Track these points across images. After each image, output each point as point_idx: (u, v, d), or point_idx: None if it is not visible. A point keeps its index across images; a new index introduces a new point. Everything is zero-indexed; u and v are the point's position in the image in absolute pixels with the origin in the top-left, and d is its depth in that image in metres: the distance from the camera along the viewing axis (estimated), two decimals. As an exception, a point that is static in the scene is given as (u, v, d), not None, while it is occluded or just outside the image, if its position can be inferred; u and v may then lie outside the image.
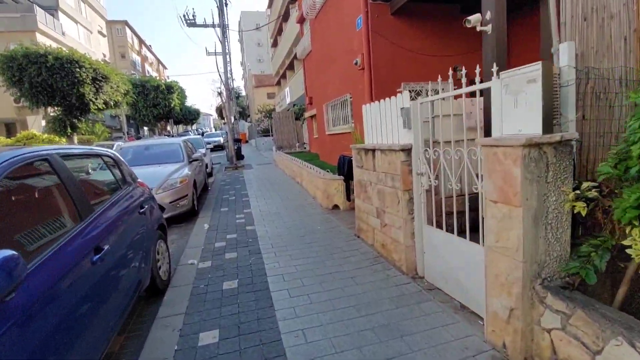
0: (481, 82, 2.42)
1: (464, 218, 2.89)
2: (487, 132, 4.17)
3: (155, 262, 3.31)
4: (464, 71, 2.61)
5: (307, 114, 14.08)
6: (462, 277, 2.74)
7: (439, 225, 3.07)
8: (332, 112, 9.17)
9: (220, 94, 13.70)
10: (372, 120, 4.15)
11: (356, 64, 6.43)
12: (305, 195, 7.74)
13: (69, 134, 21.28)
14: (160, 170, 6.59)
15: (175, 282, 3.62)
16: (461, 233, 2.80)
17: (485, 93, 2.92)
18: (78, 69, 18.39)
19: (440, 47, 6.60)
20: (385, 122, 3.74)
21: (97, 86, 19.89)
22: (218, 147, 27.74)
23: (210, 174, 12.89)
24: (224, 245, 4.69)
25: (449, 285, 2.96)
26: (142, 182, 3.73)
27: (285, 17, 24.53)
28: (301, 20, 14.11)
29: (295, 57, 22.42)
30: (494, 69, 2.27)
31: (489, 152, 2.15)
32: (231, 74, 28.22)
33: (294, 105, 20.15)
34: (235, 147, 17.91)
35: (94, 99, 19.88)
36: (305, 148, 15.38)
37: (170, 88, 39.28)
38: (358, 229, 4.68)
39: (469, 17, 3.87)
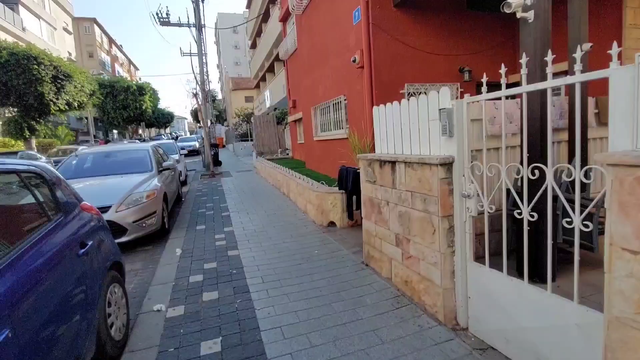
0: (516, 82, 1.67)
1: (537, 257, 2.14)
2: (571, 143, 3.46)
3: (105, 320, 2.35)
4: (503, 69, 1.85)
5: (290, 118, 13.24)
6: (542, 344, 1.98)
7: (494, 264, 2.31)
8: (321, 116, 8.38)
9: (195, 95, 12.63)
10: (388, 124, 3.36)
11: (354, 61, 5.67)
12: (294, 209, 6.88)
13: (26, 137, 19.39)
14: (123, 182, 5.55)
15: (135, 341, 2.67)
16: (527, 277, 2.04)
17: (570, 90, 2.19)
18: (36, 66, 16.72)
19: (447, 46, 5.96)
20: (412, 127, 2.97)
21: (59, 85, 18.22)
22: (193, 152, 26.34)
23: (184, 182, 11.77)
24: (200, 279, 3.75)
25: (512, 348, 2.20)
26: (88, 206, 2.75)
27: (265, 17, 23.65)
28: (284, 19, 13.29)
29: (275, 58, 21.55)
30: (614, 50, 1.53)
31: (625, 175, 1.39)
32: (207, 76, 26.92)
33: (275, 109, 19.24)
34: (212, 153, 16.76)
35: (54, 99, 18.19)
36: (287, 154, 14.49)
37: (141, 89, 37.35)
38: (367, 256, 3.87)
39: (510, 0, 3.17)
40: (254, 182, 10.97)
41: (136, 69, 77.06)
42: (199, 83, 13.24)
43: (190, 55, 21.69)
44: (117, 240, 3.24)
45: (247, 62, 66.08)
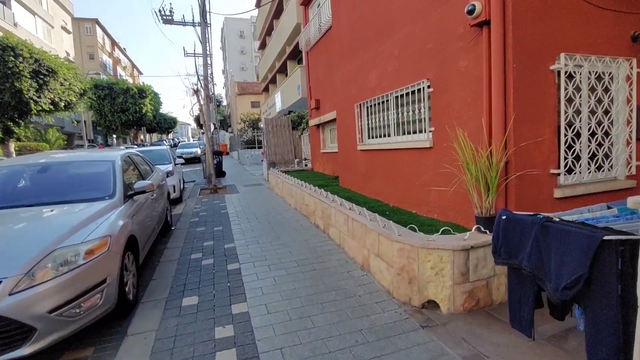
0: None
1: None
2: None
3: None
4: None
5: (311, 122, 10.79)
6: None
7: None
8: (373, 116, 5.87)
9: (196, 91, 10.25)
10: None
11: (471, 12, 3.18)
12: (342, 261, 4.33)
13: (4, 140, 17.05)
14: (48, 222, 3.06)
15: None
16: None
17: None
18: (13, 58, 14.40)
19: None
20: None
21: (41, 81, 15.88)
22: (194, 160, 23.94)
23: (179, 199, 9.28)
24: None
25: None
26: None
27: (277, 12, 21.42)
28: (306, 1, 10.92)
29: (289, 57, 19.23)
30: None
31: None
32: (212, 77, 24.64)
33: (290, 112, 16.78)
34: (215, 162, 14.30)
35: (35, 97, 15.83)
36: (305, 165, 11.98)
37: (142, 92, 35.21)
38: None
39: None
40: (267, 202, 8.45)
41: (139, 72, 75.39)
42: (201, 78, 10.87)
43: (195, 56, 19.47)
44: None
45: (253, 68, 64.29)
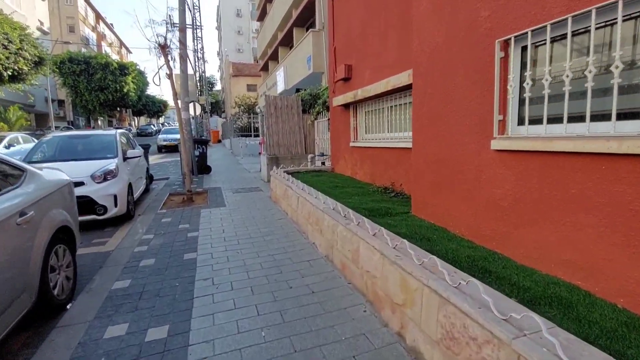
0: None
1: None
2: None
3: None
4: None
5: (335, 101, 7.19)
6: None
7: None
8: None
9: (164, 46, 6.61)
10: None
11: None
12: None
13: None
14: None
15: None
16: None
17: None
18: None
19: None
20: None
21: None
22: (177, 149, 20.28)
23: (128, 215, 5.73)
24: None
25: None
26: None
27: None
28: None
29: (295, 23, 15.43)
30: None
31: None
32: (198, 37, 21.31)
33: (298, 90, 13.08)
34: (197, 154, 10.69)
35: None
36: (323, 163, 8.41)
37: (124, 69, 31.05)
38: None
39: None
40: (271, 230, 4.95)
41: (129, 52, 70.34)
42: (175, 27, 7.15)
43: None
44: None
45: (250, 50, 59.81)
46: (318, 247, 4.05)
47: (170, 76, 7.06)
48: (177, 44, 8.06)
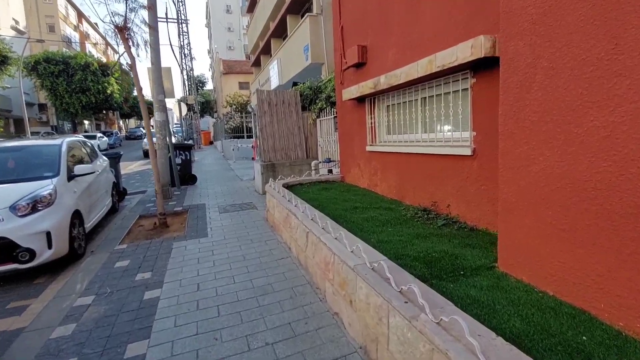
0: None
1: None
2: None
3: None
4: None
5: (345, 94, 5.62)
6: None
7: None
8: None
9: (122, 29, 5.01)
10: None
11: None
12: None
13: None
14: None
15: None
16: None
17: None
18: None
19: None
20: None
21: None
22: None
23: (72, 256, 4.17)
24: None
25: None
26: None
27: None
28: None
29: (288, 10, 13.82)
30: None
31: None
32: (185, 31, 19.88)
33: (295, 84, 11.47)
34: (180, 161, 9.12)
35: None
36: (330, 172, 6.83)
37: (106, 69, 29.18)
38: None
39: None
40: (268, 279, 3.42)
41: (115, 52, 67.92)
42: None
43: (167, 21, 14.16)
44: None
45: (242, 48, 57.87)
46: (346, 325, 2.51)
47: (132, 66, 5.46)
48: (145, 28, 6.43)
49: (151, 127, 6.77)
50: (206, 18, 71.08)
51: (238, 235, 4.80)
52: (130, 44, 5.56)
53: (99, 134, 28.14)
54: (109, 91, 28.69)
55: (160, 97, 7.28)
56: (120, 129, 57.44)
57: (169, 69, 8.59)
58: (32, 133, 30.16)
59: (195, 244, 4.52)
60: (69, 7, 45.05)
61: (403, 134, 4.77)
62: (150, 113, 8.21)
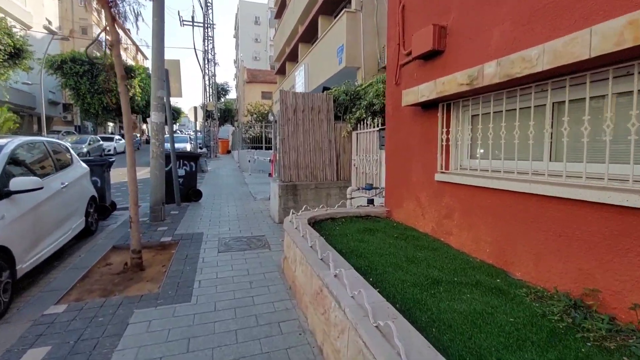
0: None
1: None
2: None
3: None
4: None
5: (407, 96, 3.92)
6: None
7: None
8: None
9: (115, 18, 3.50)
10: None
11: None
12: None
13: None
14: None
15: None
16: None
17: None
18: None
19: None
20: None
21: None
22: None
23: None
24: None
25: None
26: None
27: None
28: None
29: (320, 11, 12.39)
30: None
31: None
32: (210, 35, 18.89)
33: (325, 88, 9.85)
34: (182, 175, 7.59)
35: None
36: (371, 202, 5.03)
37: (130, 71, 28.75)
38: None
39: None
40: None
41: (145, 58, 69.19)
42: None
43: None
44: None
45: (267, 59, 57.62)
46: None
47: (113, 46, 4.01)
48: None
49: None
50: (235, 29, 71.88)
51: (237, 305, 3.07)
52: (115, 13, 4.12)
53: (116, 137, 27.51)
54: (130, 93, 28.12)
55: (159, 93, 5.79)
56: (142, 132, 57.73)
57: (177, 62, 7.15)
58: (51, 132, 29.89)
59: (166, 319, 2.81)
60: (103, 12, 45.88)
61: (506, 160, 2.99)
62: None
